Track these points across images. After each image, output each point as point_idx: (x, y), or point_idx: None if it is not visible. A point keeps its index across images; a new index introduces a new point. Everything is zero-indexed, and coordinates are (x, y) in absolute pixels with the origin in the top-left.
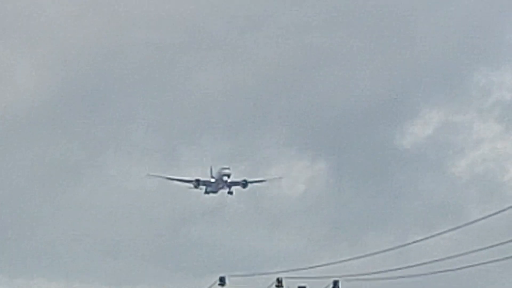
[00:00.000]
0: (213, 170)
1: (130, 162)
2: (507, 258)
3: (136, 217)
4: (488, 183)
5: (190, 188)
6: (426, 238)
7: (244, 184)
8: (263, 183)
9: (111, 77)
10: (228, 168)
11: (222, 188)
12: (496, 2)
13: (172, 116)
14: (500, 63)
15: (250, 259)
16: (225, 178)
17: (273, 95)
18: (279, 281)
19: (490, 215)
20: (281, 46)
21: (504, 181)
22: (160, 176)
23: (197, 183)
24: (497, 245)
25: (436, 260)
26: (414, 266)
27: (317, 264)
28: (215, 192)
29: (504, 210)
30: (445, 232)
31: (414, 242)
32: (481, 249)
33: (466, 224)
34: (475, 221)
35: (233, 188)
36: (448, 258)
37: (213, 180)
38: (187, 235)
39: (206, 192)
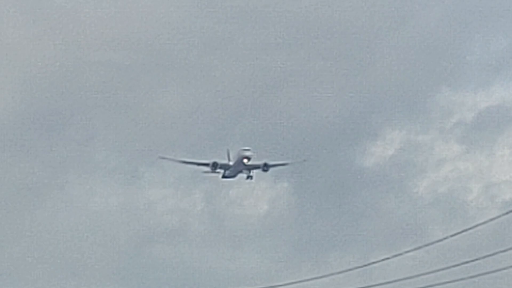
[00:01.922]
0: (230, 153)
1: (92, 182)
2: (469, 277)
3: (99, 237)
4: (450, 203)
5: (207, 172)
6: (389, 258)
7: (266, 167)
8: (286, 166)
9: (72, 97)
10: (249, 150)
11: (241, 172)
12: (457, 23)
13: (133, 136)
14: (461, 83)
15: (213, 279)
16: (245, 160)
17: (235, 115)
18: None
19: (452, 235)
20: (242, 66)
21: (466, 201)
22: (173, 159)
23: (215, 166)
24: (459, 264)
25: (399, 280)
26: (377, 285)
27: (280, 284)
28: (233, 176)
29: (466, 230)
30: (407, 251)
31: (376, 261)
32: (443, 269)
33: (428, 244)
34: (438, 240)
35: (253, 172)
36: (411, 277)
37: (231, 163)
38: (149, 255)
39: (224, 177)
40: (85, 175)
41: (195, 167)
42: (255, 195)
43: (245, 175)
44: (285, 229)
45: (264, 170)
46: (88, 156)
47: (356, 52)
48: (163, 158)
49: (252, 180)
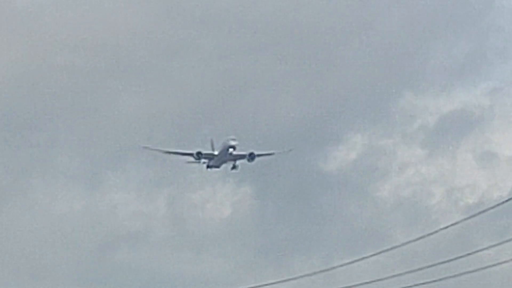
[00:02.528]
0: (214, 143)
1: (54, 186)
2: (432, 281)
3: (61, 241)
4: (412, 207)
5: (190, 162)
6: (351, 262)
7: (251, 157)
8: (272, 156)
9: (34, 101)
10: (234, 139)
11: (225, 162)
12: (419, 27)
13: (96, 141)
14: (424, 88)
15: (175, 283)
16: (230, 150)
17: (197, 120)
18: None
19: (414, 240)
20: (204, 71)
21: (428, 205)
22: (157, 149)
23: (199, 156)
24: (422, 268)
25: (362, 284)
26: None
27: None
28: (218, 166)
29: (429, 234)
30: (370, 256)
31: (339, 266)
32: (406, 273)
33: (391, 248)
34: (400, 245)
35: (239, 162)
36: (374, 281)
37: (216, 153)
38: (112, 259)
39: (208, 167)
40: (47, 179)
41: (179, 157)
42: (217, 199)
43: (230, 166)
44: (247, 233)
45: (249, 160)
46: (50, 160)
47: (318, 56)
48: (146, 148)
49: (237, 171)
